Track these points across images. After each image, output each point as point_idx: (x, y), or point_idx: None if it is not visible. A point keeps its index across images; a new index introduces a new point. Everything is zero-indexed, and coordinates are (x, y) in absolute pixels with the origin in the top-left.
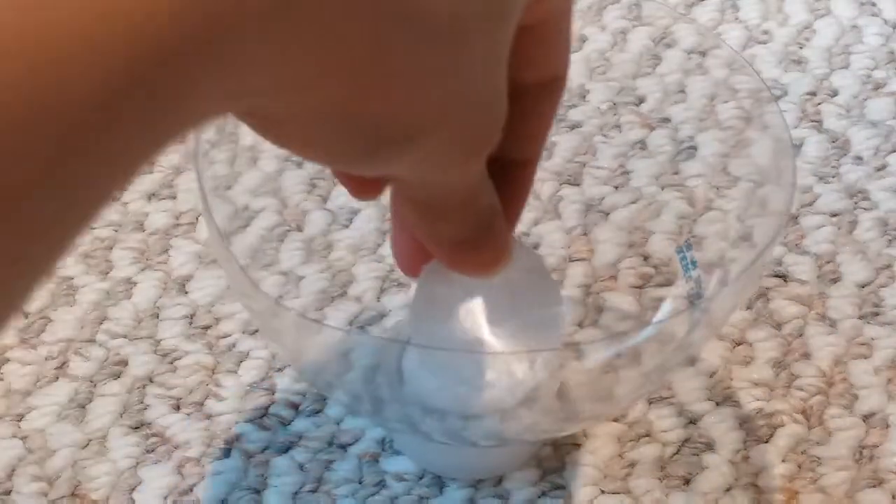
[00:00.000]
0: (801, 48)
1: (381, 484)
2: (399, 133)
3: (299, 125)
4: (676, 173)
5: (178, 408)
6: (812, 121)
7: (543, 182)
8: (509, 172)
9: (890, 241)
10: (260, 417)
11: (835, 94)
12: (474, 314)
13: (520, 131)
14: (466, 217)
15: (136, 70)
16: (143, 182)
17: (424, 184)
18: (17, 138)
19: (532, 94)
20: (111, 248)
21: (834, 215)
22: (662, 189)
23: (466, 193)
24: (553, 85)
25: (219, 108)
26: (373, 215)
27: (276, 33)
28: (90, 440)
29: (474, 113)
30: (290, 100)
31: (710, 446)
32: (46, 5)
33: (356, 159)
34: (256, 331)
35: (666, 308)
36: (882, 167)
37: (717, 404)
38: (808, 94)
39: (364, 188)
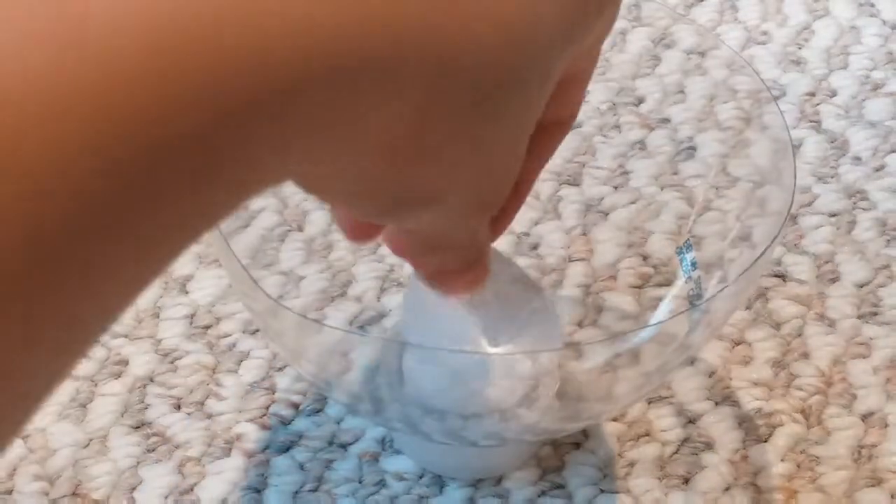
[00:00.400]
0: (800, 49)
1: (381, 483)
2: (423, 198)
3: (330, 187)
4: (676, 173)
5: (178, 407)
6: (811, 121)
7: (543, 182)
8: None
9: (888, 241)
10: (260, 417)
11: (833, 94)
12: (467, 317)
13: (527, 157)
14: (458, 254)
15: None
16: None
17: (430, 229)
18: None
19: (544, 128)
20: None
21: (833, 215)
22: (662, 189)
23: (467, 239)
24: (560, 127)
25: (268, 180)
26: None
27: (331, 110)
28: (91, 439)
29: (494, 178)
30: (329, 170)
31: (709, 446)
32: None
33: (375, 216)
34: (257, 331)
35: (665, 308)
36: (881, 167)
37: (717, 404)
38: (806, 94)
39: (361, 233)
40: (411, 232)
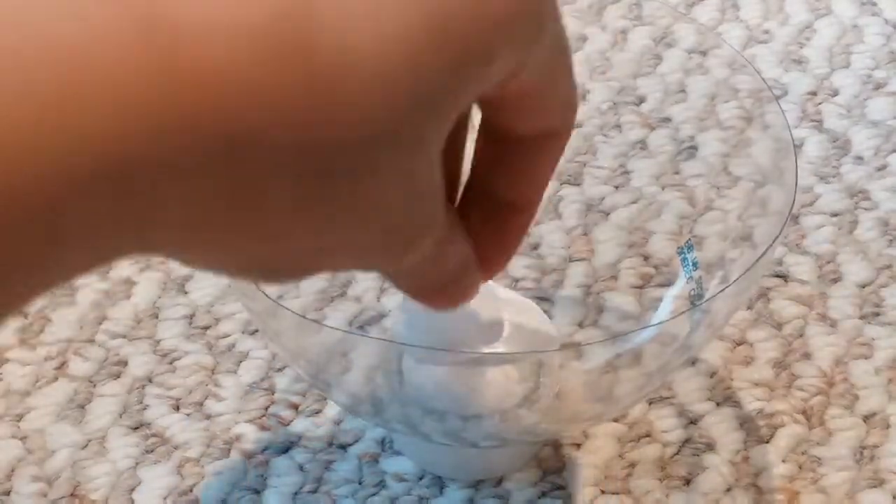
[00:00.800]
0: (801, 48)
1: (381, 484)
2: (298, 270)
3: (204, 264)
4: (677, 173)
5: (177, 408)
6: (813, 120)
7: None
8: (504, 214)
9: (890, 241)
10: (259, 418)
11: (835, 93)
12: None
13: (516, 177)
14: (427, 278)
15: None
16: None
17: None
18: None
19: (527, 143)
20: None
21: (834, 215)
22: (663, 189)
23: (422, 268)
24: (550, 139)
25: (125, 251)
26: None
27: (190, 188)
28: (90, 440)
29: (386, 235)
30: (197, 247)
31: (710, 447)
32: None
33: (265, 282)
34: (256, 331)
35: (666, 308)
36: (883, 167)
37: (718, 405)
38: (808, 93)
39: None
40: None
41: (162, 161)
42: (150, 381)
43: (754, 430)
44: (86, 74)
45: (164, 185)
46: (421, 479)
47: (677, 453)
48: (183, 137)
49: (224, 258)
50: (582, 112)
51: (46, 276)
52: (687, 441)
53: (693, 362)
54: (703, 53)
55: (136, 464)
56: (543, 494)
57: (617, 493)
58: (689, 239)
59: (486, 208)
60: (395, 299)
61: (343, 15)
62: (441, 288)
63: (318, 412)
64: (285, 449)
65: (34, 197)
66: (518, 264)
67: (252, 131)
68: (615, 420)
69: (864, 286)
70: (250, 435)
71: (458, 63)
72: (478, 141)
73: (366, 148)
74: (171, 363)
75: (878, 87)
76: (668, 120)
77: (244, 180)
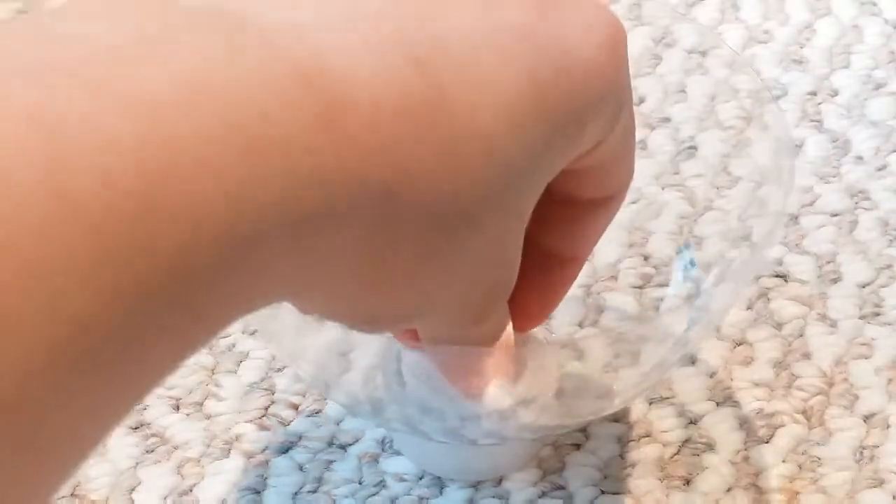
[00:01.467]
0: (801, 48)
1: (380, 484)
2: (401, 316)
3: (312, 308)
4: (677, 173)
5: (177, 408)
6: (812, 120)
7: None
8: (553, 265)
9: (891, 241)
10: (259, 418)
11: (835, 93)
12: None
13: (570, 233)
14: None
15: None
16: None
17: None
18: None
19: (587, 207)
20: None
21: (834, 215)
22: (663, 189)
23: (472, 340)
24: (607, 202)
25: (241, 309)
26: None
27: (346, 236)
28: None
29: (478, 293)
30: (307, 297)
31: (710, 447)
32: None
33: (359, 328)
34: (256, 331)
35: (666, 308)
36: (883, 167)
37: (718, 404)
38: (808, 93)
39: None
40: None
41: (332, 207)
42: None
43: (754, 430)
44: (268, 143)
45: (327, 233)
46: (421, 479)
47: (677, 453)
48: (351, 180)
49: (342, 306)
50: None
51: (215, 324)
52: (687, 441)
53: (692, 362)
54: (703, 53)
55: (136, 464)
56: (543, 494)
57: (617, 493)
58: (689, 239)
59: (535, 262)
60: None
61: (466, 81)
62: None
63: (318, 412)
64: (285, 449)
65: (236, 247)
66: None
67: (401, 182)
68: (615, 420)
69: (864, 286)
70: (250, 435)
71: (555, 135)
72: None
73: (478, 207)
74: None
75: (878, 87)
76: (667, 120)
77: (387, 230)
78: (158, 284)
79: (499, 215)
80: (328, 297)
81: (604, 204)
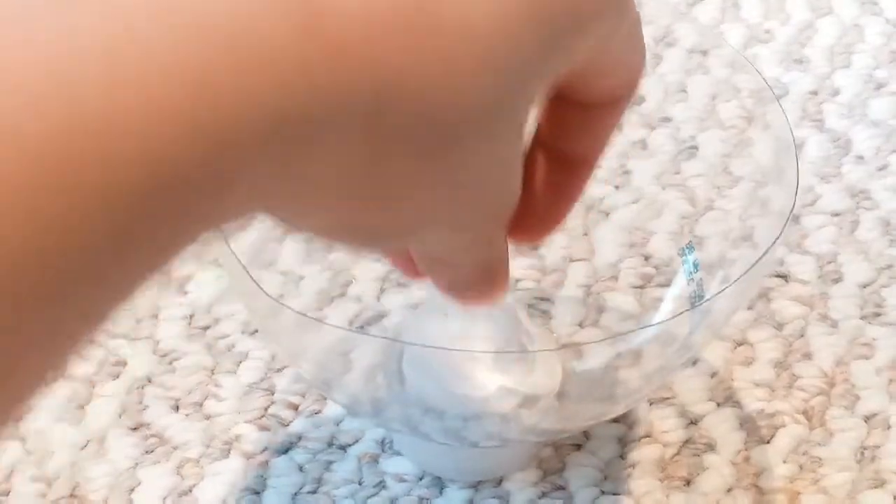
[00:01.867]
0: (802, 47)
1: (380, 485)
2: (401, 231)
3: (303, 224)
4: (678, 173)
5: (177, 408)
6: (814, 120)
7: None
8: (565, 169)
9: (892, 241)
10: (259, 418)
11: (836, 93)
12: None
13: (581, 135)
14: (472, 270)
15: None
16: None
17: (430, 249)
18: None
19: (597, 108)
20: None
21: (835, 215)
22: (663, 189)
23: (473, 256)
24: (617, 102)
25: (236, 213)
26: None
27: (337, 145)
28: (89, 441)
29: (483, 205)
30: (296, 209)
31: (711, 447)
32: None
33: (359, 249)
34: (256, 331)
35: (666, 308)
36: (884, 167)
37: (719, 405)
38: (809, 93)
39: (412, 270)
40: (416, 249)
41: (320, 116)
42: (149, 381)
43: (755, 431)
44: (253, 49)
45: (316, 142)
46: (421, 479)
47: (678, 454)
48: (340, 92)
49: (339, 222)
50: None
51: (206, 225)
52: (687, 441)
53: (694, 363)
54: (704, 53)
55: (136, 464)
56: (543, 495)
57: (617, 494)
58: (691, 240)
59: (547, 167)
60: (395, 299)
61: None
62: (477, 286)
63: (317, 412)
64: (285, 449)
65: (231, 146)
66: (518, 264)
67: (393, 91)
68: (616, 420)
69: (865, 286)
70: (250, 435)
71: (552, 38)
72: (543, 103)
73: (478, 117)
74: (170, 363)
75: (880, 86)
76: (668, 119)
77: (380, 141)
78: (146, 190)
79: (499, 123)
80: (323, 211)
81: (614, 104)
